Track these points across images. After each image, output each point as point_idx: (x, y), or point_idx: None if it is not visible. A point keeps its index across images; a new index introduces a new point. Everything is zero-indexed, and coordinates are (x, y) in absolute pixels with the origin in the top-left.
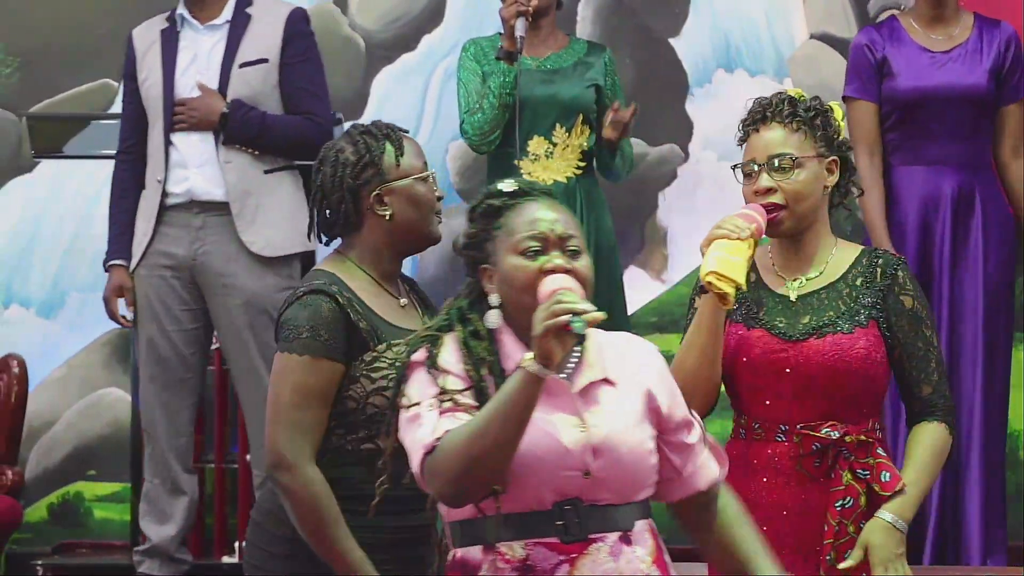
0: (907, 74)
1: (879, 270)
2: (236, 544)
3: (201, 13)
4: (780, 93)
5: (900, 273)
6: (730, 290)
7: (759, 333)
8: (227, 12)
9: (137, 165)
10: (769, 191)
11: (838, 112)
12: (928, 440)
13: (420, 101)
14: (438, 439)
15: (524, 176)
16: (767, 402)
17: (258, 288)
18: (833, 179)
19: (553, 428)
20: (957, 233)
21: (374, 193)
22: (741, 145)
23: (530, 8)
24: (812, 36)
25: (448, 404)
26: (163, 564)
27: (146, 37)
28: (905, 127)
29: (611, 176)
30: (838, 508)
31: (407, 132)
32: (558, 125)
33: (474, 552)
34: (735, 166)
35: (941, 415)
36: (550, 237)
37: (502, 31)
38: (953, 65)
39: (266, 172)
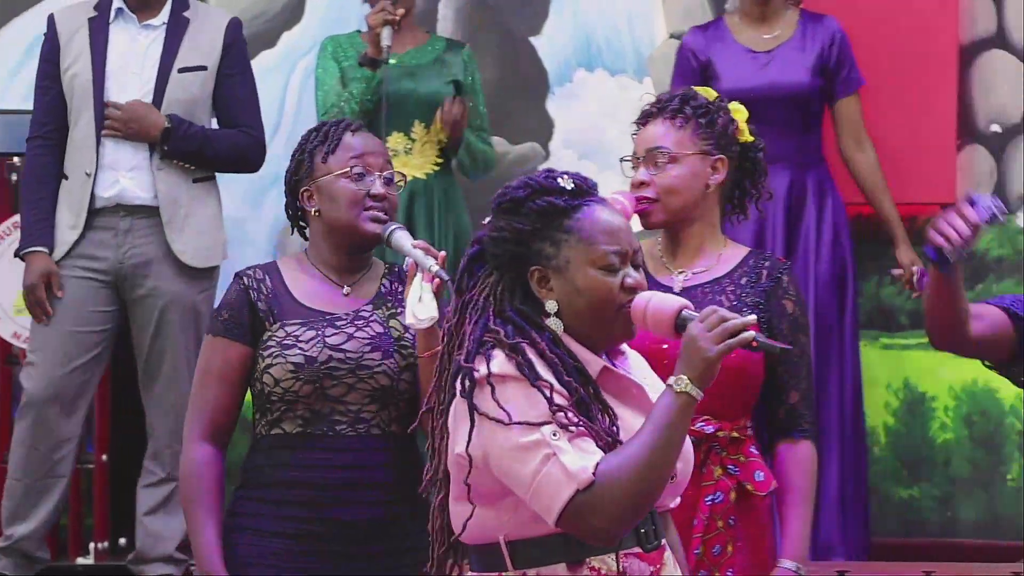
0: (729, 75)
1: (764, 272)
2: (91, 545)
3: (140, 10)
4: (687, 90)
5: (785, 277)
6: None
7: None
8: (164, 13)
9: (55, 152)
10: (642, 184)
11: (740, 114)
12: (805, 466)
13: (280, 98)
14: (593, 474)
15: None
16: None
17: (182, 293)
18: (719, 177)
19: None
20: (789, 231)
21: (304, 190)
22: (633, 138)
23: (397, 16)
24: (672, 35)
25: (575, 429)
26: (19, 563)
27: (71, 22)
28: None
29: (469, 174)
30: (708, 503)
31: (361, 128)
32: (417, 121)
33: (556, 571)
34: (623, 159)
35: (809, 429)
36: (628, 251)
37: (361, 29)
38: (776, 64)
39: (194, 181)
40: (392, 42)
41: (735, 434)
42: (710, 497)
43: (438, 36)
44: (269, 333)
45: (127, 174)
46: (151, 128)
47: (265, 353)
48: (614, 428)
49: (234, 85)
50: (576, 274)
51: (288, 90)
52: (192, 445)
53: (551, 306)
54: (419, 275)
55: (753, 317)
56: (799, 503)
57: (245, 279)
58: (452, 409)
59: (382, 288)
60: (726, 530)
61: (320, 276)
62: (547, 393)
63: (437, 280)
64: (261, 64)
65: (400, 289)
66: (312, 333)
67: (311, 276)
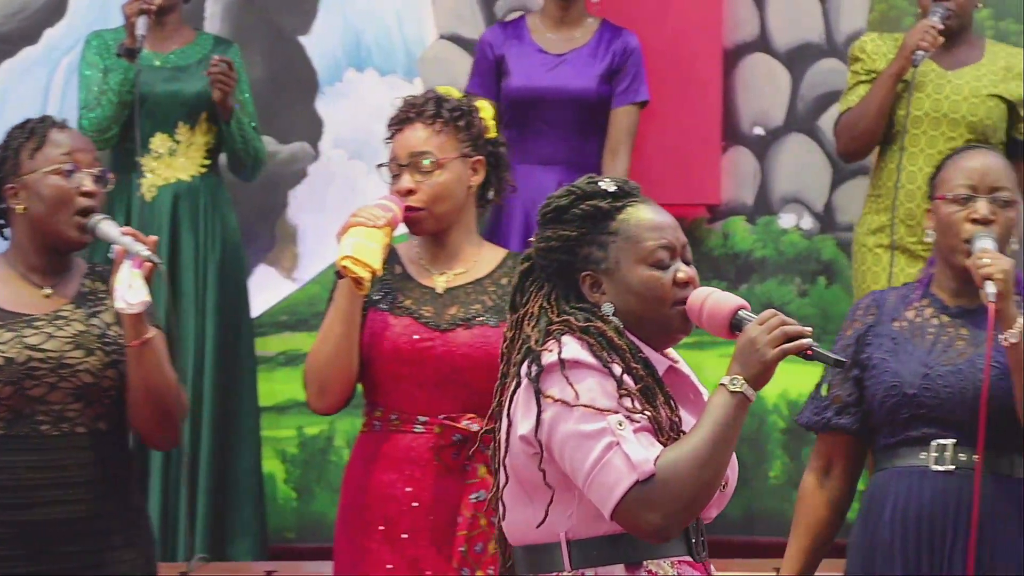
0: (519, 74)
1: None
2: None
3: None
4: (428, 91)
5: None
6: (365, 275)
7: (406, 321)
8: None
9: None
10: (410, 192)
11: (487, 112)
12: None
13: (43, 95)
14: (654, 467)
15: (147, 174)
16: (408, 392)
17: None
18: (478, 179)
19: None
20: None
21: (9, 187)
22: (388, 143)
23: (153, 7)
24: (442, 36)
25: (640, 421)
26: None
27: None
28: (518, 126)
29: (242, 173)
30: (472, 500)
31: (66, 125)
32: (181, 123)
33: (614, 571)
34: (380, 165)
35: None
36: (676, 246)
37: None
38: (565, 67)
39: None
40: (148, 31)
41: None
42: (474, 495)
43: (206, 34)
44: None
45: None
46: None
47: None
48: (677, 420)
49: None
50: (627, 273)
51: (51, 88)
52: None
53: (607, 308)
54: (128, 262)
55: (810, 329)
56: None
57: None
58: (516, 397)
59: (83, 287)
60: (489, 528)
61: (19, 277)
62: (618, 373)
63: (148, 265)
64: (22, 61)
65: (102, 288)
66: (10, 335)
67: (9, 278)
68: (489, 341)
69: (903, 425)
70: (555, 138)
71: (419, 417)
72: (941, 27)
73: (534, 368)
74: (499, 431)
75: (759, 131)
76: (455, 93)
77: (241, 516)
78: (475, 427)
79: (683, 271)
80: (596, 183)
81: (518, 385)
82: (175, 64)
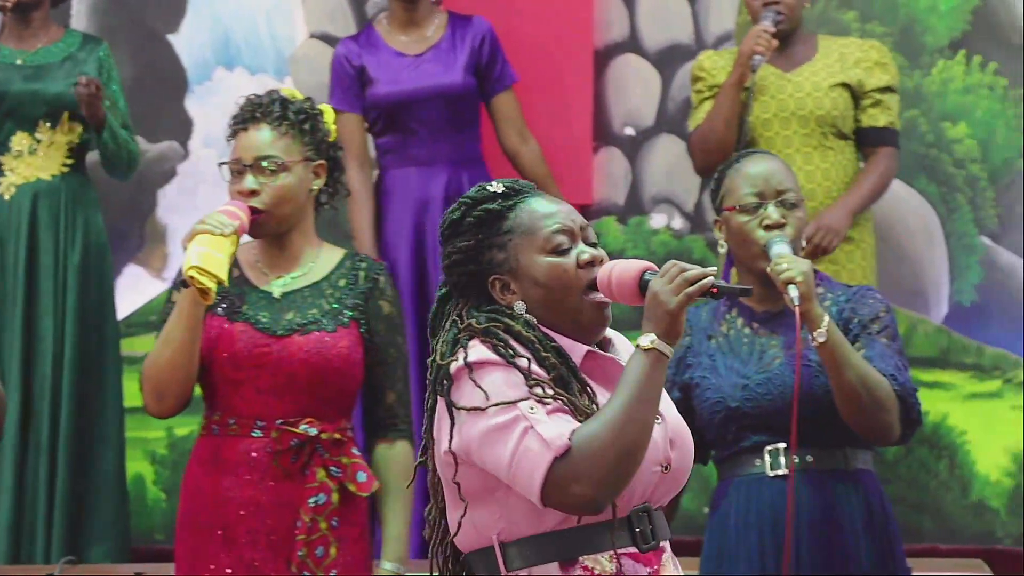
0: (383, 80)
1: (362, 274)
2: None
3: None
4: (272, 92)
5: (381, 278)
6: (212, 285)
7: (242, 327)
8: None
9: None
10: (252, 193)
11: (329, 115)
12: (402, 466)
13: None
14: (569, 440)
15: (7, 173)
16: (246, 397)
17: None
18: (320, 182)
19: None
20: None
21: None
22: (230, 142)
23: (8, 3)
24: (312, 35)
25: (552, 403)
26: None
27: None
28: (392, 131)
29: (116, 174)
30: (311, 504)
31: None
32: (42, 122)
33: (548, 570)
34: (222, 164)
35: (405, 429)
36: (574, 228)
37: None
38: (428, 66)
39: None
40: (5, 27)
41: (337, 435)
42: (313, 499)
43: (74, 32)
44: None
45: None
46: None
47: None
48: (594, 406)
49: None
50: (530, 267)
51: None
52: None
53: (519, 307)
54: None
55: (713, 268)
56: (398, 504)
57: None
58: (437, 414)
59: None
60: (330, 531)
61: None
62: (524, 365)
63: None
64: None
65: None
66: None
67: None
68: (326, 346)
69: (734, 438)
70: (432, 138)
71: (257, 422)
72: (774, 30)
73: (444, 381)
74: (433, 449)
75: (630, 132)
76: (299, 95)
77: (101, 519)
78: (313, 431)
79: (586, 252)
80: (485, 188)
81: (435, 402)
82: (38, 62)
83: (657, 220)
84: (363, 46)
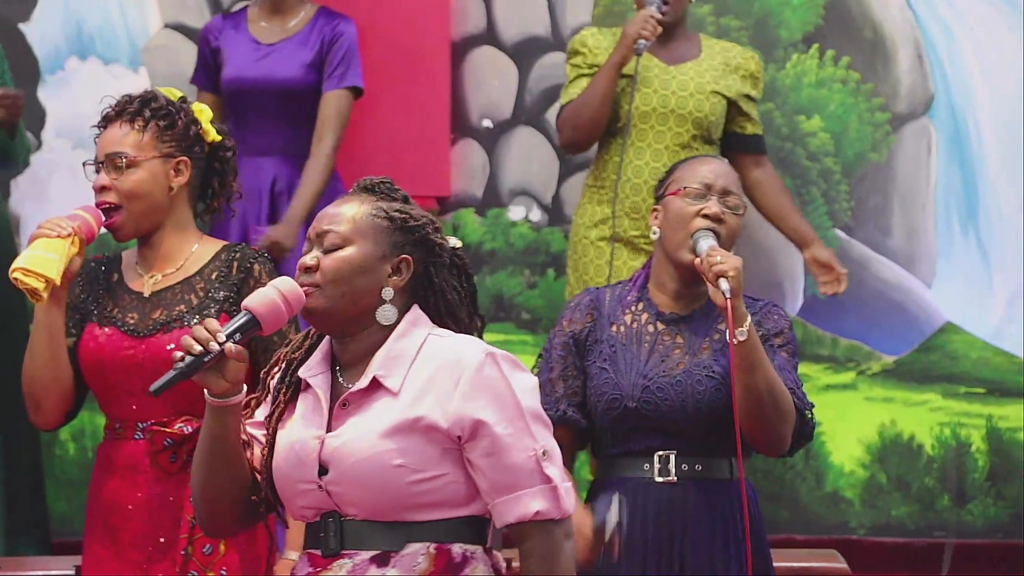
0: (230, 65)
1: (235, 264)
2: None
3: None
4: (147, 90)
5: (256, 266)
6: (38, 285)
7: (109, 331)
8: None
9: None
10: (103, 189)
11: (203, 114)
12: None
13: None
14: None
15: None
16: (121, 400)
17: None
18: (181, 179)
19: (296, 438)
20: (274, 222)
21: None
22: (96, 141)
23: None
24: (167, 26)
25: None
26: None
27: None
28: (235, 117)
29: (7, 166)
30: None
31: None
32: None
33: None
34: (86, 163)
35: None
36: (311, 236)
37: None
38: (274, 57)
39: None
40: None
41: None
42: None
43: None
44: None
45: None
46: None
47: None
48: None
49: None
50: None
51: None
52: None
53: None
54: None
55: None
56: None
57: None
58: None
59: None
60: None
61: None
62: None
63: None
64: None
65: None
66: None
67: None
68: None
69: (625, 436)
70: (266, 128)
71: (139, 424)
72: (660, 16)
73: None
74: None
75: (487, 124)
76: (175, 93)
77: (21, 513)
78: (189, 429)
79: (304, 259)
80: None
81: None
82: None
83: (515, 212)
84: (227, 27)
